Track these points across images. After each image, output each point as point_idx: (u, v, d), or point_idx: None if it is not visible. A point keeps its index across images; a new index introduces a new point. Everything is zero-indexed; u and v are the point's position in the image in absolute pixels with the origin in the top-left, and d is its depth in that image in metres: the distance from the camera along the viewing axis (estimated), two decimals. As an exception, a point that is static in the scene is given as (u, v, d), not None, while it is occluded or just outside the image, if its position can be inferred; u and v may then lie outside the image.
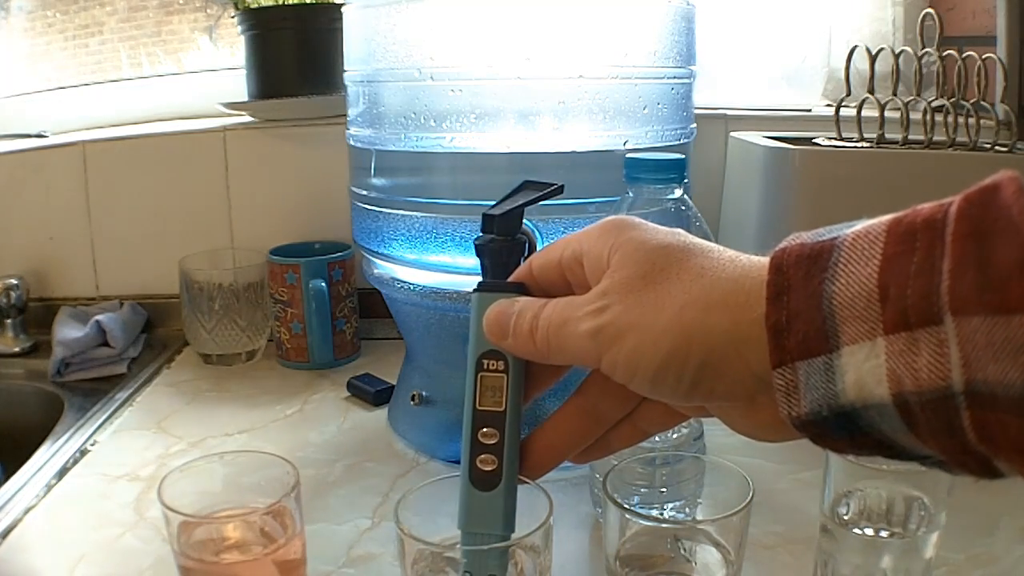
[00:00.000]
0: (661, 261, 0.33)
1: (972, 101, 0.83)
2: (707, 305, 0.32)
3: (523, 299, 0.37)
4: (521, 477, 0.39)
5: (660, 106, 0.69)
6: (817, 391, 0.29)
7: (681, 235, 0.35)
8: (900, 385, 0.27)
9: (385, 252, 0.72)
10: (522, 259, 0.61)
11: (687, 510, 0.56)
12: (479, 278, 0.60)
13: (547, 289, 0.38)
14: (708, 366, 0.32)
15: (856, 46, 0.87)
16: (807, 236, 0.31)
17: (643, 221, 0.36)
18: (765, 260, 0.32)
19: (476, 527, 0.39)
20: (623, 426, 0.40)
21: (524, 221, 0.61)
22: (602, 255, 0.35)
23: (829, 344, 0.29)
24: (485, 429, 0.38)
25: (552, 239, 0.65)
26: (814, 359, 0.29)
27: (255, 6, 1.09)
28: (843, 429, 0.29)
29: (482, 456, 0.38)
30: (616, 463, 0.55)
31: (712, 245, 0.34)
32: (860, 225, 0.30)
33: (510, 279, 0.39)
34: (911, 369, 0.26)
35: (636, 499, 0.55)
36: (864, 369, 0.28)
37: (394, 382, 0.85)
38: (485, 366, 0.38)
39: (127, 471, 0.73)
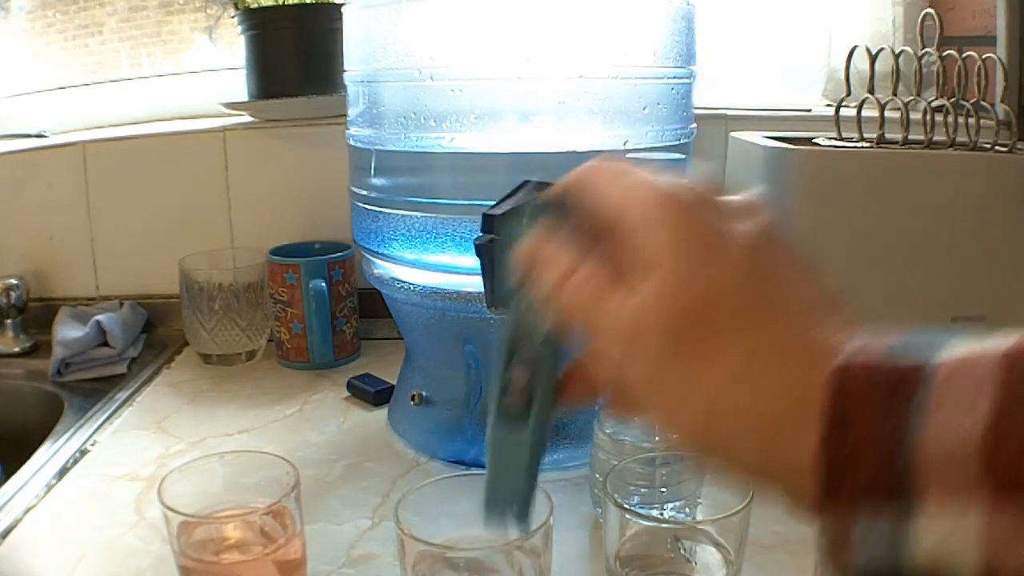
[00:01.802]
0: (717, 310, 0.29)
1: (972, 101, 0.83)
2: (747, 408, 0.28)
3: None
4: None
5: (660, 106, 0.69)
6: (876, 550, 0.25)
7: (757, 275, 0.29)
8: (996, 565, 0.23)
9: (385, 252, 0.72)
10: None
11: (687, 510, 0.56)
12: (479, 278, 0.61)
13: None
14: (734, 469, 0.30)
15: (856, 46, 0.87)
16: (874, 348, 0.26)
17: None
18: (828, 359, 0.26)
19: (507, 456, 0.39)
20: None
21: (524, 221, 0.61)
22: None
23: (904, 501, 0.24)
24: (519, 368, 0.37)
25: (552, 239, 0.65)
26: (877, 515, 0.25)
27: (255, 6, 1.09)
28: None
29: (509, 397, 0.38)
30: (616, 463, 0.55)
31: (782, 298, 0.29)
32: (954, 351, 0.25)
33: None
34: (1017, 549, 0.22)
35: (636, 499, 0.55)
36: (950, 541, 0.23)
37: (394, 382, 0.85)
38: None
39: (127, 471, 0.73)
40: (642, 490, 0.55)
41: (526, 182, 0.62)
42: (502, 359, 0.38)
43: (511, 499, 0.39)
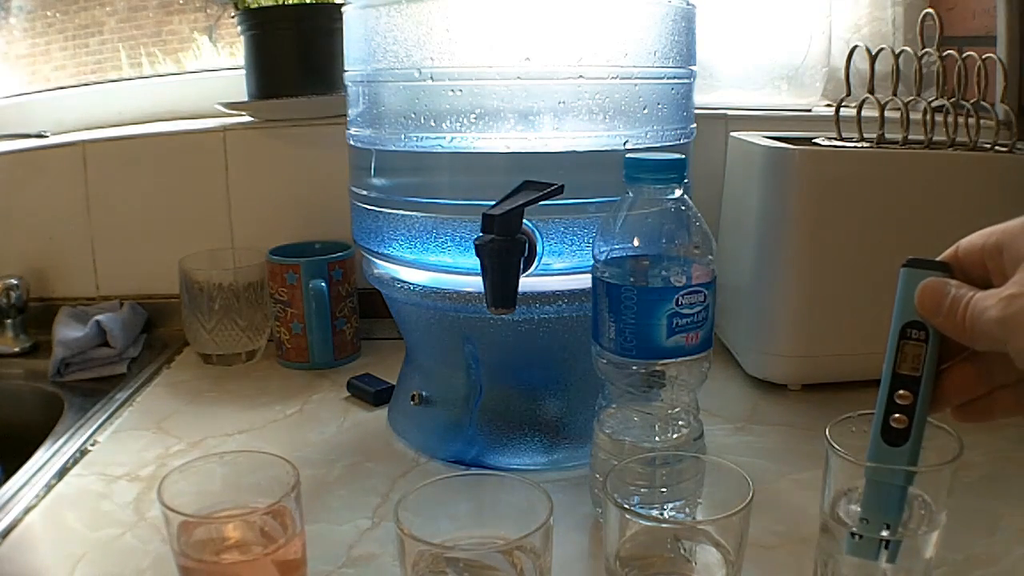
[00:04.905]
0: None
1: (972, 101, 0.83)
2: None
3: (955, 283, 0.40)
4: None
5: (660, 106, 0.69)
6: None
7: None
8: None
9: (385, 252, 0.72)
10: (522, 259, 0.61)
11: (687, 510, 0.56)
12: (479, 278, 0.61)
13: (967, 271, 0.41)
14: None
15: (856, 46, 0.87)
16: None
17: None
18: None
19: (880, 477, 0.43)
20: (1007, 393, 0.42)
21: (524, 221, 0.61)
22: (1021, 250, 0.37)
23: None
24: (901, 391, 0.42)
25: (552, 239, 0.65)
26: None
27: (255, 6, 1.09)
28: None
29: (895, 415, 0.42)
30: (616, 463, 0.55)
31: None
32: None
33: (939, 258, 0.42)
34: None
35: (636, 499, 0.55)
36: None
37: (394, 382, 0.85)
38: (908, 335, 0.42)
39: (127, 471, 0.73)
40: (642, 490, 0.55)
41: (526, 182, 0.62)
42: (886, 384, 0.42)
43: (890, 506, 0.43)
